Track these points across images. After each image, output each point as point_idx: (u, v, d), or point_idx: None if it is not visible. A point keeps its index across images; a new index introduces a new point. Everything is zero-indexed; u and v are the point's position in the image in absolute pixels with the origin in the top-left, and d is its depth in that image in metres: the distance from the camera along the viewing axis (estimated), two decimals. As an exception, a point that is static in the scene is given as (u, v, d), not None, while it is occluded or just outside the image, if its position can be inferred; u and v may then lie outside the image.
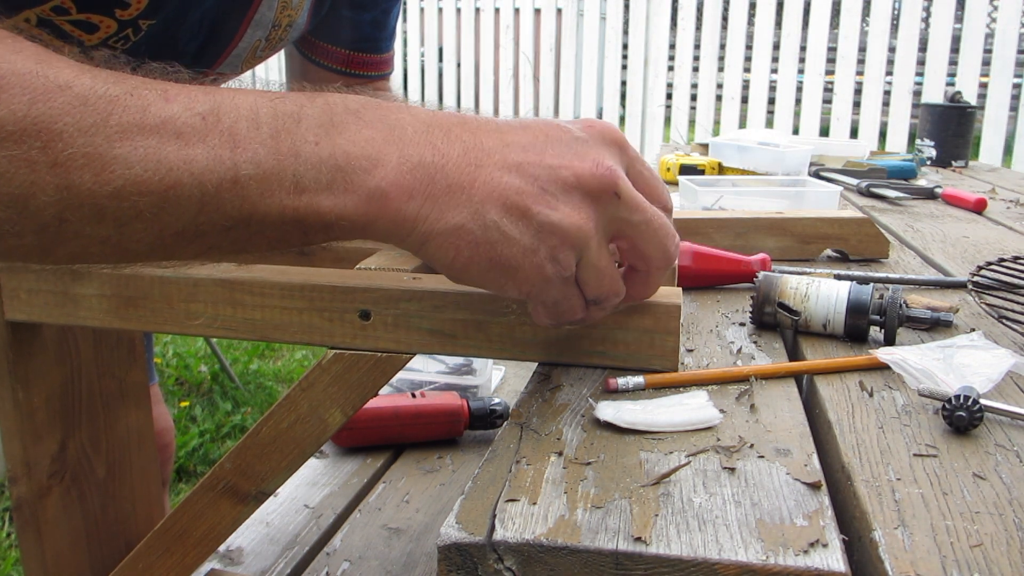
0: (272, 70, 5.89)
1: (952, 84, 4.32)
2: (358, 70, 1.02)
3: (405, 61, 5.78)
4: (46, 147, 0.40)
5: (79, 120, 0.40)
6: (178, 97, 0.43)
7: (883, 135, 4.70)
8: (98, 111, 0.41)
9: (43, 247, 0.43)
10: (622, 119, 5.25)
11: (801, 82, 4.69)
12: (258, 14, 0.82)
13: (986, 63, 4.27)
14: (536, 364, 0.57)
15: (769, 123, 4.79)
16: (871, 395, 0.51)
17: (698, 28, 4.92)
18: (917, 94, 4.42)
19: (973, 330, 0.63)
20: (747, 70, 4.79)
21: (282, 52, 1.00)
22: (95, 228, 0.42)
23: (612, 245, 0.49)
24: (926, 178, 1.63)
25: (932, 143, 1.86)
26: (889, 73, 4.51)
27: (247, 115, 0.43)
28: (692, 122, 5.01)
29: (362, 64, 1.02)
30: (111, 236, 0.43)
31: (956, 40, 4.31)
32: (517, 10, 5.39)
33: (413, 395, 1.35)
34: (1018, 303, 0.67)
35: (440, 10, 5.55)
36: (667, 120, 5.02)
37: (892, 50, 4.45)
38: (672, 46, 5.01)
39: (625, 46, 5.14)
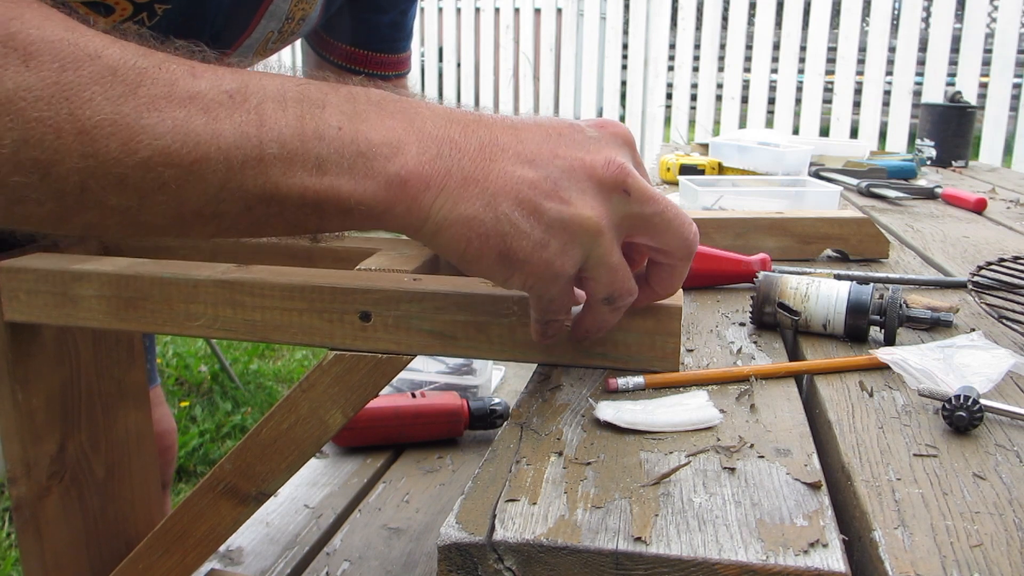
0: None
1: (952, 84, 4.32)
2: (376, 70, 1.04)
3: (405, 61, 5.78)
4: (73, 114, 0.40)
5: (108, 89, 0.41)
6: (205, 74, 0.43)
7: (883, 135, 4.70)
8: (127, 81, 0.41)
9: (61, 215, 0.43)
10: (622, 119, 5.25)
11: (801, 82, 4.69)
12: (273, 5, 0.82)
13: (986, 63, 4.26)
14: (536, 364, 0.57)
15: (769, 123, 4.79)
16: (871, 395, 0.51)
17: (698, 28, 4.92)
18: (917, 94, 4.42)
19: (973, 330, 0.63)
20: (747, 70, 4.79)
21: (299, 53, 1.01)
22: (117, 198, 0.43)
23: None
24: (926, 178, 1.63)
25: (932, 143, 1.86)
26: (889, 73, 4.51)
27: (273, 96, 0.44)
28: (692, 122, 5.01)
29: (380, 64, 1.04)
30: (131, 207, 0.43)
31: (956, 40, 4.31)
32: (517, 10, 5.39)
33: (413, 395, 1.35)
34: (1018, 303, 0.67)
35: (440, 10, 5.55)
36: (667, 120, 5.02)
37: (892, 50, 4.45)
38: (672, 46, 5.01)
39: (625, 46, 5.14)
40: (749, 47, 4.76)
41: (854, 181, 1.46)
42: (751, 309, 0.64)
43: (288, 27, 0.87)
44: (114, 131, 0.41)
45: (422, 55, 5.79)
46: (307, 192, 0.44)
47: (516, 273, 0.45)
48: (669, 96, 5.01)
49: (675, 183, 1.46)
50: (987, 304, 0.65)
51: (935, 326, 0.64)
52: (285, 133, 0.43)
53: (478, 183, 0.44)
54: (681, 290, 0.59)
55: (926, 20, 4.82)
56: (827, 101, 4.66)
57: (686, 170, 1.53)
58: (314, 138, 0.43)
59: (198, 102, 0.42)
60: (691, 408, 0.48)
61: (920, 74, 4.42)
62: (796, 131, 4.57)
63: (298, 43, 1.05)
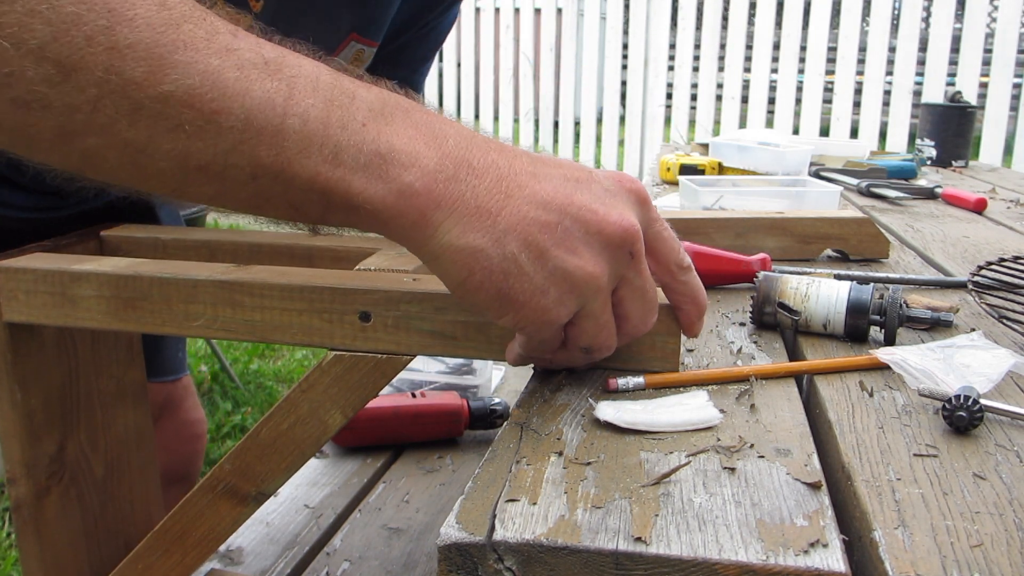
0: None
1: (952, 84, 4.32)
2: None
3: (405, 61, 5.77)
4: (112, 27, 0.39)
5: (152, 15, 0.40)
6: (247, 39, 0.43)
7: (883, 135, 4.70)
8: (172, 16, 0.40)
9: (65, 132, 0.41)
10: (622, 119, 5.25)
11: (801, 82, 4.69)
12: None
13: (986, 63, 4.26)
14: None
15: (769, 123, 4.79)
16: (871, 395, 0.51)
17: (698, 28, 4.92)
18: (917, 94, 4.42)
19: (973, 330, 0.63)
20: (747, 70, 4.79)
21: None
22: (126, 128, 0.41)
23: None
24: (926, 178, 1.63)
25: (932, 143, 1.86)
26: (889, 73, 4.51)
27: (307, 75, 0.43)
28: (692, 122, 5.02)
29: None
30: (138, 141, 0.41)
31: (956, 40, 4.31)
32: (517, 10, 5.39)
33: (413, 395, 1.34)
34: (1018, 303, 0.67)
35: (440, 10, 5.54)
36: (667, 120, 5.02)
37: (892, 50, 4.45)
38: (672, 46, 5.01)
39: (625, 46, 5.14)
40: (749, 47, 4.76)
41: (854, 181, 1.46)
42: (751, 309, 0.64)
43: None
44: (146, 56, 0.39)
45: (422, 55, 5.79)
46: (317, 178, 0.43)
47: (510, 313, 0.45)
48: (669, 96, 5.01)
49: (675, 183, 1.46)
50: (987, 304, 0.65)
51: (935, 326, 0.64)
52: (310, 112, 0.42)
53: (490, 215, 0.43)
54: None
55: (926, 20, 4.82)
56: (827, 101, 4.66)
57: (686, 170, 1.53)
58: (337, 126, 0.42)
59: (233, 58, 0.41)
60: (691, 408, 0.48)
61: (920, 74, 4.42)
62: (796, 131, 4.57)
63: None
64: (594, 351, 0.49)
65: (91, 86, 0.39)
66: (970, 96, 3.68)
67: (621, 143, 5.31)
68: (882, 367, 0.55)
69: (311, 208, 0.44)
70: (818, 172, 1.57)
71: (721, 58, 4.84)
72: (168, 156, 0.42)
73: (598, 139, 5.44)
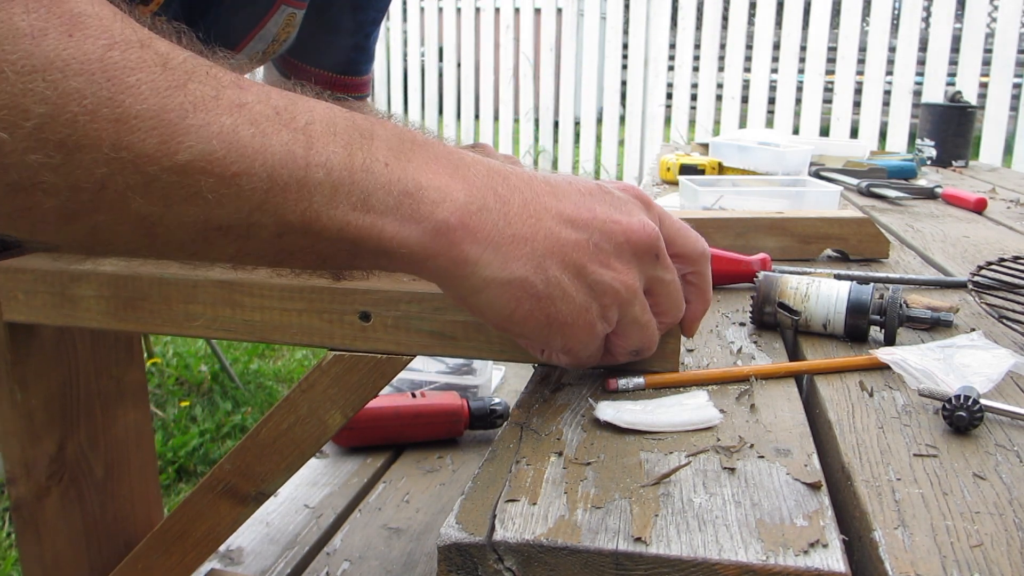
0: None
1: (952, 84, 4.32)
2: (340, 92, 1.04)
3: (405, 61, 5.77)
4: (114, 99, 0.36)
5: (156, 79, 0.37)
6: (252, 88, 0.40)
7: (883, 135, 4.70)
8: (177, 77, 0.37)
9: (70, 212, 0.38)
10: (622, 119, 5.25)
11: (801, 82, 4.69)
12: (264, 30, 0.83)
13: (986, 63, 4.26)
14: (536, 364, 0.57)
15: (769, 123, 4.79)
16: (871, 395, 0.51)
17: (698, 28, 4.92)
18: (917, 94, 4.42)
19: (973, 330, 0.63)
20: (747, 70, 4.79)
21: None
22: (140, 202, 0.38)
23: None
24: (926, 178, 1.63)
25: (932, 143, 1.86)
26: (889, 73, 4.51)
27: (322, 119, 0.41)
28: (692, 122, 5.01)
29: (343, 86, 1.04)
30: (152, 214, 0.39)
31: (956, 40, 4.31)
32: (517, 10, 5.39)
33: (413, 395, 1.35)
34: (1018, 303, 0.67)
35: (440, 10, 5.55)
36: (667, 120, 5.02)
37: (892, 50, 4.45)
38: (672, 46, 5.01)
39: (625, 46, 5.14)
40: (749, 47, 4.76)
41: (854, 181, 1.46)
42: (751, 309, 0.64)
43: (271, 49, 0.88)
44: (155, 126, 0.37)
45: (422, 55, 5.79)
46: (348, 227, 0.41)
47: (558, 336, 0.46)
48: (669, 96, 5.01)
49: (675, 183, 1.46)
50: (987, 304, 0.65)
51: (935, 326, 0.64)
52: (333, 160, 0.40)
53: (526, 241, 0.43)
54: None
55: (926, 20, 4.82)
56: (827, 101, 4.66)
57: (686, 170, 1.53)
58: (361, 170, 0.41)
59: (246, 112, 0.39)
60: (691, 408, 0.48)
61: (920, 74, 4.42)
62: (796, 131, 4.57)
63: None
64: (642, 352, 0.50)
65: (99, 165, 0.36)
66: (970, 96, 3.68)
67: (621, 143, 5.31)
68: (882, 367, 0.55)
69: (339, 256, 0.43)
70: (818, 172, 1.57)
71: (721, 58, 4.84)
72: (187, 224, 0.40)
73: (598, 139, 5.44)
